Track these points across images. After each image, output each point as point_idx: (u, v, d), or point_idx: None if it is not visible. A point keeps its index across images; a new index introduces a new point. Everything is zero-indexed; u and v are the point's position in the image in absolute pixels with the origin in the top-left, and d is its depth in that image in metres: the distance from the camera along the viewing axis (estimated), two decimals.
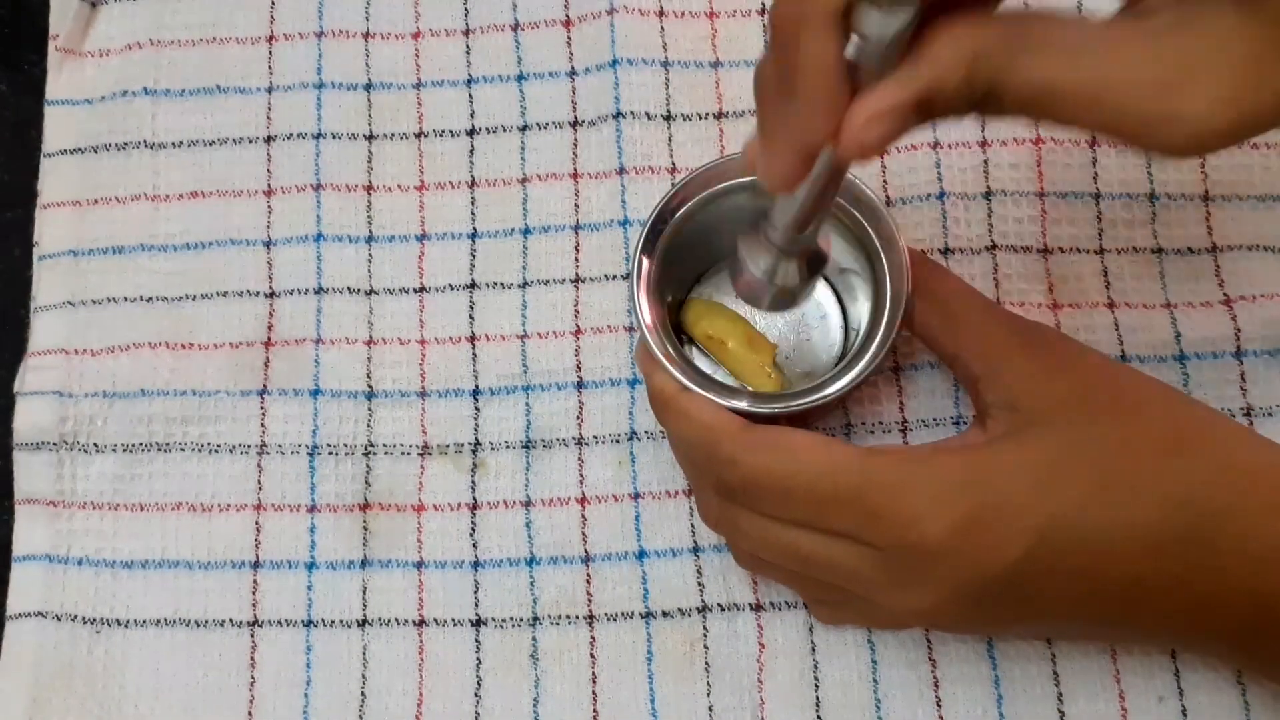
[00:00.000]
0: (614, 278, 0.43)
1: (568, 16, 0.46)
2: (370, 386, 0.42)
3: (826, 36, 0.25)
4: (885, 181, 0.43)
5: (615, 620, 0.39)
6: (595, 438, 0.41)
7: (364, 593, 0.40)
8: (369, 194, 0.44)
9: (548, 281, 0.43)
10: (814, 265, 0.33)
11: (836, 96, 0.25)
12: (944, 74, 0.25)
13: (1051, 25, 0.26)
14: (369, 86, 0.45)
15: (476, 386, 0.42)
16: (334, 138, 0.45)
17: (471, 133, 0.45)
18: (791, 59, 0.25)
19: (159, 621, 0.40)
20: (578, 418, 0.41)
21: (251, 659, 0.40)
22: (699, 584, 0.39)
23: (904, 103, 0.25)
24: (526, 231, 0.43)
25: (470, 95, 0.45)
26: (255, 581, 0.40)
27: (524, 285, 0.43)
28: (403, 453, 0.41)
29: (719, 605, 0.39)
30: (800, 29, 0.25)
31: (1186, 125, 0.24)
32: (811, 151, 0.27)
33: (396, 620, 0.40)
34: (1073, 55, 0.25)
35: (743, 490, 0.32)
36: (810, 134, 0.26)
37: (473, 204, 0.44)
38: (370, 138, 0.45)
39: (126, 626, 0.40)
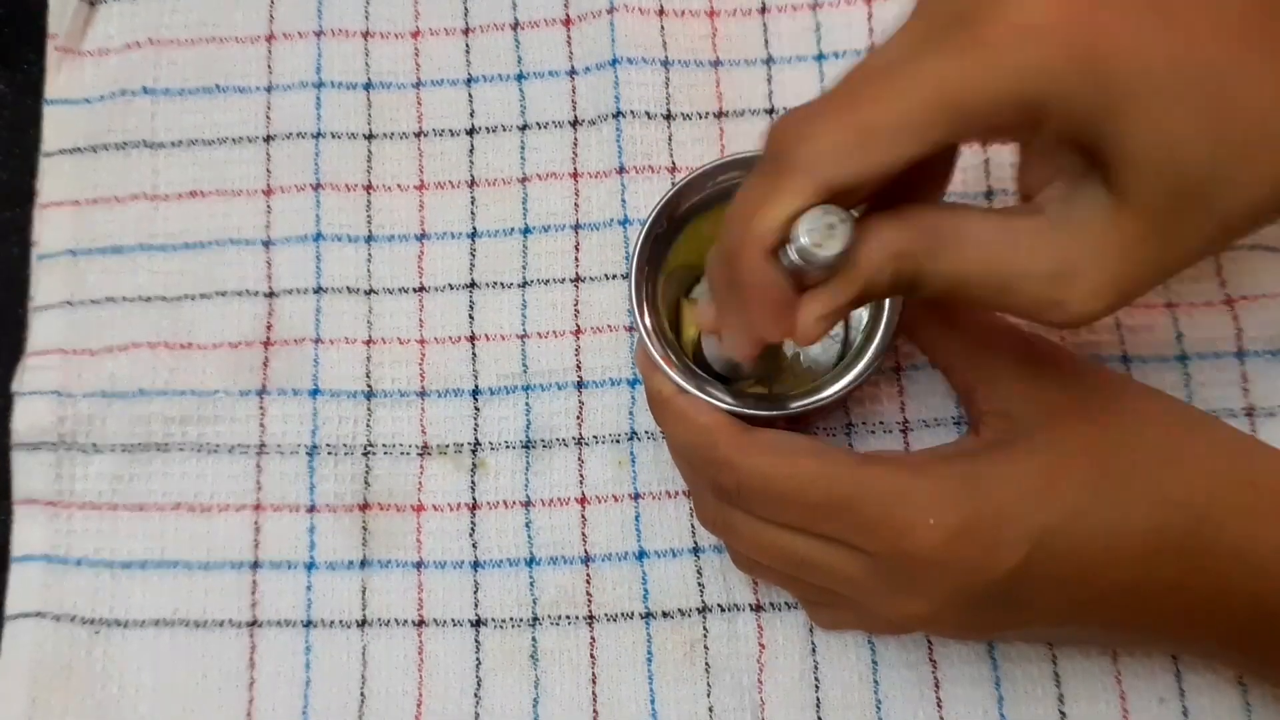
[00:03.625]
0: (614, 277, 0.42)
1: (568, 15, 0.45)
2: (369, 386, 0.42)
3: (767, 264, 0.28)
4: None
5: (615, 620, 0.39)
6: (595, 438, 0.41)
7: (363, 593, 0.40)
8: (368, 193, 0.44)
9: (548, 281, 0.43)
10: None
11: (780, 309, 0.29)
12: (875, 276, 0.28)
13: (963, 222, 0.28)
14: (368, 86, 0.45)
15: (476, 386, 0.42)
16: (333, 137, 0.45)
17: (471, 132, 0.45)
18: (739, 278, 0.28)
19: (158, 622, 0.40)
20: (578, 418, 0.41)
21: (251, 659, 0.40)
22: (699, 584, 0.39)
23: (844, 304, 0.29)
24: (526, 231, 0.43)
25: (470, 94, 0.45)
26: (254, 582, 0.40)
27: (524, 285, 0.43)
28: (402, 453, 0.41)
29: (719, 606, 0.39)
30: (742, 259, 0.28)
31: (1072, 310, 0.28)
32: (764, 341, 0.30)
33: (396, 620, 0.40)
34: (978, 251, 0.28)
35: (738, 493, 0.32)
36: (762, 334, 0.30)
37: (472, 203, 0.44)
38: (370, 137, 0.45)
39: (125, 627, 0.40)
